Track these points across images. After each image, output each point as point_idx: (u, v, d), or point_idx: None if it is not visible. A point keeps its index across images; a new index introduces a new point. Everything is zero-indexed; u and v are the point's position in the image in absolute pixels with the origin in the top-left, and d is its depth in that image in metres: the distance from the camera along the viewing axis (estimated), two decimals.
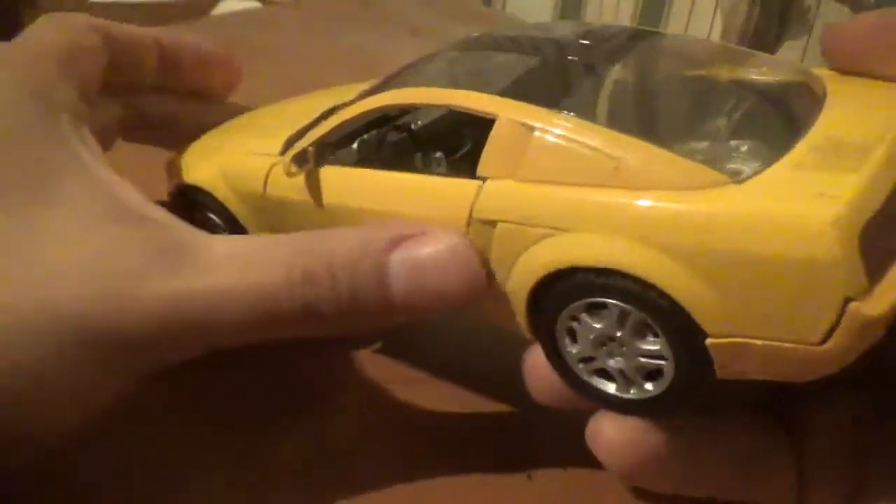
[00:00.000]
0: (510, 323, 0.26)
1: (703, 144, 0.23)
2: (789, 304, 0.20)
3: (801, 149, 0.22)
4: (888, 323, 0.20)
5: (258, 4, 0.79)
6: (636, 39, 0.29)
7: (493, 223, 0.25)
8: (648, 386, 0.24)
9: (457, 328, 0.34)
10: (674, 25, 0.79)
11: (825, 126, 0.23)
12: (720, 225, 0.21)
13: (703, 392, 0.23)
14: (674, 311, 0.22)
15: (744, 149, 0.23)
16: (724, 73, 0.27)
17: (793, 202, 0.20)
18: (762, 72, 0.28)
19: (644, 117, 0.25)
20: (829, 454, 0.25)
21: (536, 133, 0.24)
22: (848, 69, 0.26)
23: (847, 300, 0.20)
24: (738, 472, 0.25)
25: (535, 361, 0.26)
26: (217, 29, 0.64)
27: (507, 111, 0.25)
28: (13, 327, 0.21)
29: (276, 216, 0.30)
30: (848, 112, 0.24)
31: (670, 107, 0.26)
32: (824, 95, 0.25)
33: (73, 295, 0.22)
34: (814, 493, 0.25)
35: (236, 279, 0.23)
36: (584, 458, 0.25)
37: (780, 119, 0.25)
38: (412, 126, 0.31)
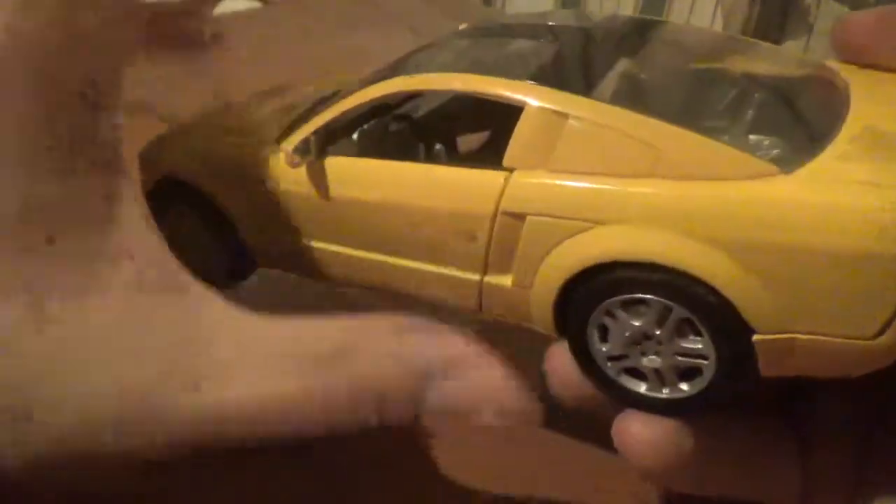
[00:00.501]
0: (529, 319, 0.25)
1: (737, 132, 0.22)
2: (844, 298, 0.20)
3: (842, 140, 0.21)
4: None
5: (258, 4, 0.79)
6: (649, 29, 0.28)
7: (522, 216, 0.23)
8: (683, 386, 0.23)
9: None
10: None
11: (860, 117, 0.23)
12: (773, 217, 0.20)
13: (742, 391, 0.23)
14: (720, 308, 0.21)
15: (778, 139, 0.22)
16: (746, 66, 0.26)
17: (847, 193, 0.20)
18: (784, 65, 0.27)
19: (676, 105, 0.24)
20: (833, 453, 0.25)
21: (570, 121, 0.23)
22: (857, 61, 0.26)
23: None
24: (746, 472, 0.25)
25: (559, 361, 0.25)
26: (217, 29, 0.64)
27: (537, 98, 0.24)
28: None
29: (273, 210, 0.29)
30: (878, 103, 0.24)
31: (699, 97, 0.25)
32: (846, 87, 0.24)
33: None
34: (817, 493, 0.24)
35: (255, 393, 0.22)
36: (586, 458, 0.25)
37: (811, 112, 0.24)
38: (414, 116, 0.30)
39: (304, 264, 0.30)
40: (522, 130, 0.24)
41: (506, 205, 0.24)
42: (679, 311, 0.22)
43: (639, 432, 0.24)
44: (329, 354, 0.22)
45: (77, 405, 0.21)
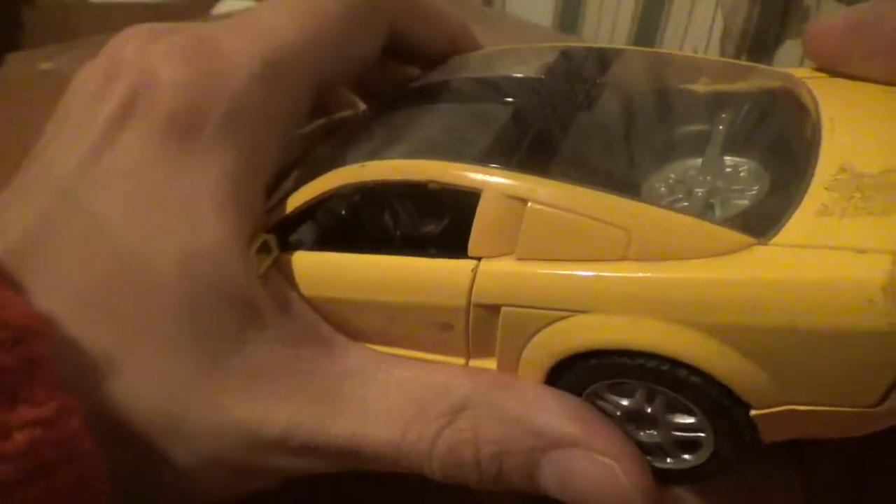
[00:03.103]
0: None
1: (703, 187, 0.21)
2: (842, 372, 0.19)
3: (817, 187, 0.20)
4: None
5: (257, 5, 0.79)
6: (605, 66, 0.26)
7: (496, 308, 0.22)
8: (687, 456, 0.22)
9: None
10: (674, 25, 0.79)
11: (835, 154, 0.21)
12: (756, 298, 0.19)
13: (747, 456, 0.22)
14: (710, 387, 0.20)
15: (747, 189, 0.21)
16: (705, 93, 0.25)
17: (833, 265, 0.18)
18: (744, 83, 0.26)
19: (638, 164, 0.23)
20: (833, 475, 0.25)
21: (531, 206, 0.21)
22: (830, 68, 0.25)
23: None
24: (750, 500, 0.25)
25: None
26: None
27: (491, 183, 0.22)
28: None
29: None
30: (852, 132, 0.22)
31: (660, 144, 0.24)
32: (817, 108, 0.23)
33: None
34: None
35: (384, 431, 0.24)
36: None
37: (780, 145, 0.23)
38: (381, 198, 0.27)
39: None
40: (482, 217, 0.22)
41: (477, 297, 0.22)
42: (667, 392, 0.21)
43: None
44: (457, 405, 0.23)
45: (228, 428, 0.24)
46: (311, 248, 0.26)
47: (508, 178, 0.22)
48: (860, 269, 0.18)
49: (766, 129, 0.23)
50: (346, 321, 0.26)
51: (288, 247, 0.26)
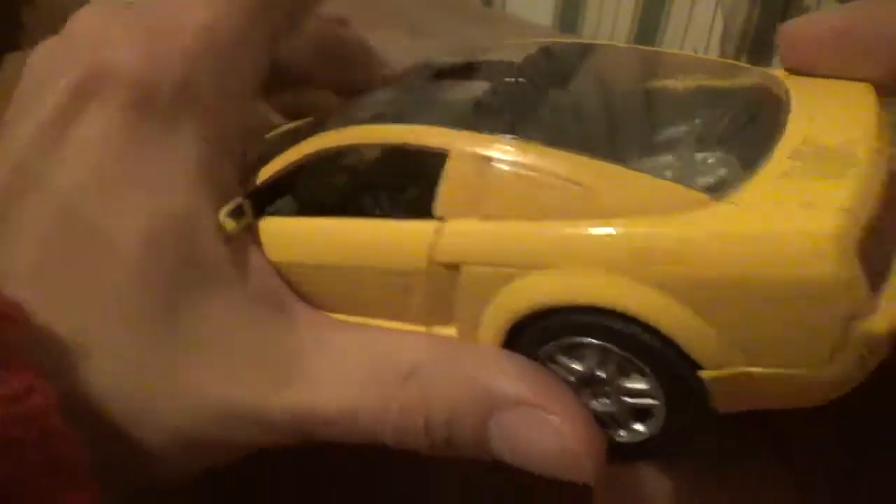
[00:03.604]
0: None
1: (669, 158, 0.22)
2: (790, 328, 0.19)
3: (779, 157, 0.21)
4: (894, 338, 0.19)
5: None
6: (585, 55, 0.27)
7: (456, 267, 0.22)
8: (639, 427, 0.22)
9: None
10: (674, 25, 0.79)
11: (800, 130, 0.22)
12: (706, 250, 0.19)
13: (701, 429, 0.22)
14: (662, 346, 0.20)
15: (711, 160, 0.21)
16: (680, 84, 0.26)
17: (782, 218, 0.19)
18: (720, 78, 0.26)
19: (604, 136, 0.23)
20: (822, 477, 0.24)
21: (495, 165, 0.22)
22: (806, 73, 0.25)
23: (851, 318, 0.18)
24: (736, 495, 0.25)
25: None
26: None
27: (458, 143, 0.23)
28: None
29: None
30: (819, 113, 0.22)
31: (630, 123, 0.24)
32: (788, 97, 0.24)
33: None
34: None
35: (335, 399, 0.24)
36: None
37: (747, 126, 0.23)
38: (355, 165, 0.29)
39: None
40: (448, 177, 0.23)
41: (439, 256, 0.23)
42: (618, 352, 0.21)
43: None
44: (409, 370, 0.23)
45: (190, 401, 0.24)
46: (285, 216, 0.27)
47: (475, 138, 0.23)
48: (811, 222, 0.18)
49: (738, 121, 0.24)
50: (314, 288, 0.26)
51: (264, 215, 0.27)
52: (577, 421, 0.22)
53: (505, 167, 0.22)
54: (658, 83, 0.27)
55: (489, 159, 0.22)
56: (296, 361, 0.25)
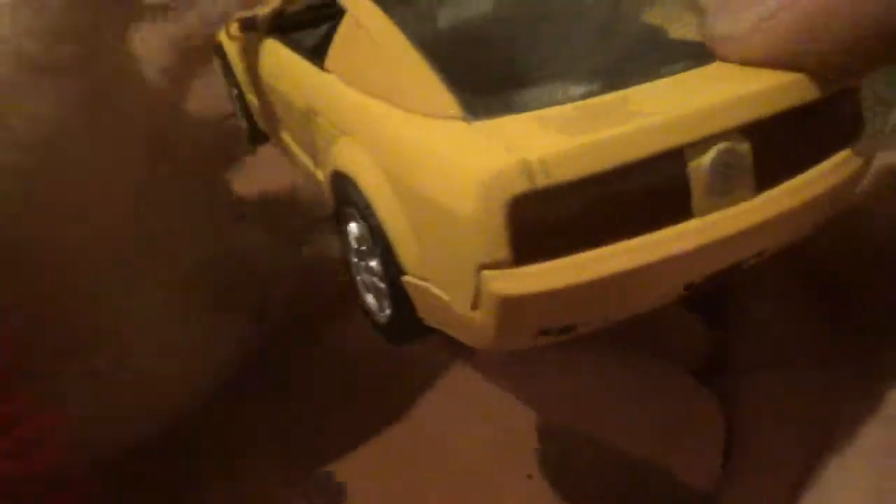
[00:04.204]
0: None
1: (550, 80, 0.21)
2: (447, 257, 0.19)
3: (568, 105, 0.19)
4: (546, 308, 0.18)
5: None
6: None
7: (316, 114, 0.25)
8: (386, 308, 0.23)
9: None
10: None
11: (644, 89, 0.20)
12: (415, 157, 0.20)
13: (418, 329, 0.22)
14: (384, 236, 0.21)
15: (563, 91, 0.20)
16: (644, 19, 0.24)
17: (476, 151, 0.18)
18: (681, 26, 0.24)
19: (478, 46, 0.23)
20: (769, 432, 0.23)
21: (362, 34, 0.23)
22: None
23: (482, 267, 0.18)
24: (658, 431, 0.23)
25: None
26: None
27: (353, 6, 0.24)
28: None
29: (251, 82, 0.33)
30: (690, 83, 0.20)
31: (516, 39, 0.24)
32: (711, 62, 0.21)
33: None
34: (747, 475, 0.23)
35: None
36: (584, 459, 0.25)
37: (624, 70, 0.21)
38: (308, 6, 0.32)
39: (272, 136, 0.34)
40: (339, 35, 0.25)
41: (312, 101, 0.26)
42: (362, 227, 0.23)
43: None
44: None
45: None
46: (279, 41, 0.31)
47: (365, 6, 0.24)
48: (485, 159, 0.18)
49: (623, 59, 0.22)
50: (274, 105, 0.31)
51: (271, 35, 0.31)
52: None
53: (366, 39, 0.23)
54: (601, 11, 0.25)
55: (360, 25, 0.24)
56: None
